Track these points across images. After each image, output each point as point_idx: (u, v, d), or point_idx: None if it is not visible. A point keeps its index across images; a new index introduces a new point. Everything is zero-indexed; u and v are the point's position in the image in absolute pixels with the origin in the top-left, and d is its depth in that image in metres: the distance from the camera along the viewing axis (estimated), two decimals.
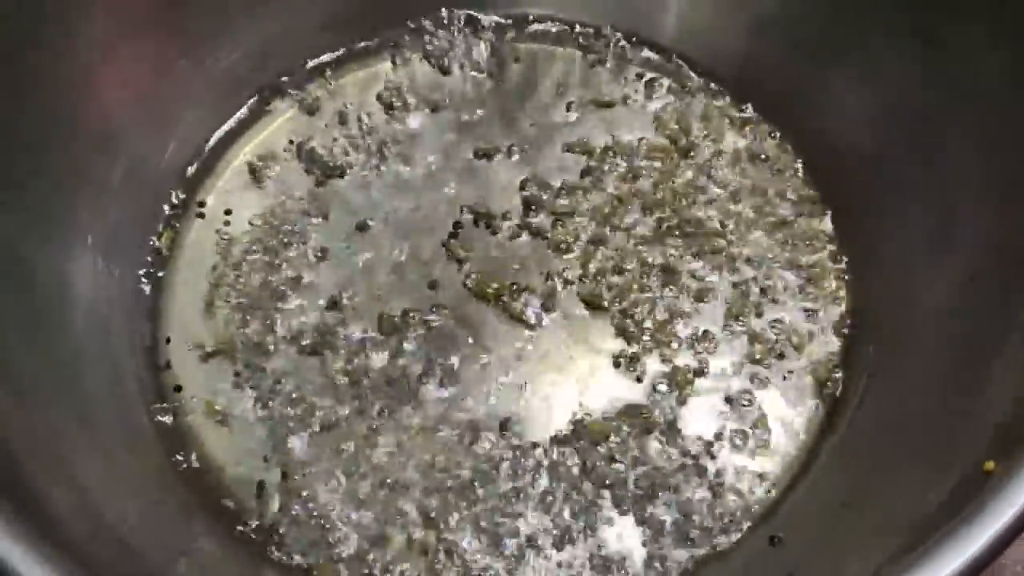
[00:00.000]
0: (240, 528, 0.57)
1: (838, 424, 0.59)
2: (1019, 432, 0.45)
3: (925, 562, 0.42)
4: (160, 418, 0.60)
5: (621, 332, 0.62)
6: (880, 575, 0.43)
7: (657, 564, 0.56)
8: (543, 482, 0.58)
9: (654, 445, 0.59)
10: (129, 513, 0.52)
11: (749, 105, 0.69)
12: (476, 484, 0.58)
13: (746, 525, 0.57)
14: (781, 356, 0.61)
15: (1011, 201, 0.55)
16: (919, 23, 0.60)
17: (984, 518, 0.42)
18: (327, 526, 0.57)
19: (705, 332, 0.62)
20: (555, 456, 0.59)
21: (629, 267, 0.63)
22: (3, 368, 0.52)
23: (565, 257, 0.64)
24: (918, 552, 0.43)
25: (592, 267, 0.63)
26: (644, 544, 0.57)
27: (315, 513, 0.58)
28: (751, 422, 0.59)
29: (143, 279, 0.64)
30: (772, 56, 0.68)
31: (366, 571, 0.56)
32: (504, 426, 0.59)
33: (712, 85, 0.69)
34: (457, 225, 0.65)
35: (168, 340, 0.62)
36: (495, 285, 0.62)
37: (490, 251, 0.64)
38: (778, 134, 0.68)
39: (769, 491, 0.58)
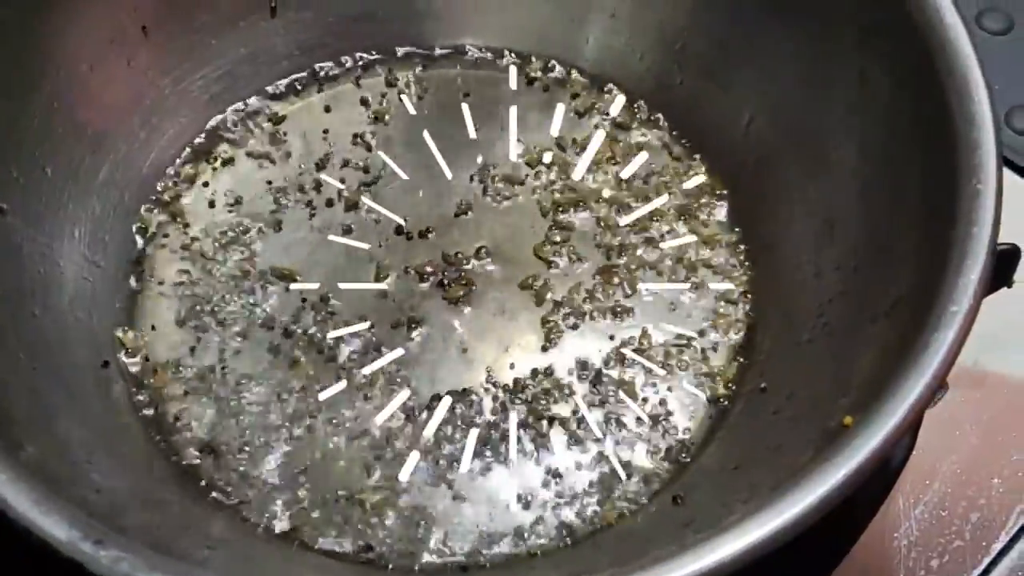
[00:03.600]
0: (201, 484, 0.62)
1: (734, 406, 0.64)
2: (871, 393, 0.50)
3: (787, 496, 0.47)
4: (138, 397, 0.64)
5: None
6: (754, 515, 0.48)
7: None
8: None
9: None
10: (102, 464, 0.56)
11: (660, 115, 0.74)
12: None
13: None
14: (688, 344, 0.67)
15: (886, 203, 0.61)
16: (801, 46, 0.67)
17: (838, 458, 0.48)
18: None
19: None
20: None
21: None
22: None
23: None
24: (780, 490, 0.47)
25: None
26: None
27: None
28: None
29: (124, 271, 0.68)
30: (679, 75, 0.74)
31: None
32: None
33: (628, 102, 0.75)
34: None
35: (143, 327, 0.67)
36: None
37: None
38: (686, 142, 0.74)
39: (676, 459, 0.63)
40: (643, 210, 0.71)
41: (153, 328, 0.67)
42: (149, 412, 0.64)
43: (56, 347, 0.62)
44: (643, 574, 0.46)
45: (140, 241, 0.70)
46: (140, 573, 0.45)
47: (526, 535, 0.61)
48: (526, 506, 0.61)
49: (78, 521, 0.46)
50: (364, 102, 0.75)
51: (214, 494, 0.62)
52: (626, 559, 0.48)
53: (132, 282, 0.68)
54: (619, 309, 0.68)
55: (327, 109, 0.75)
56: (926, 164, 0.58)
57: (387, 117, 0.75)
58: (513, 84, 0.76)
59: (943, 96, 0.58)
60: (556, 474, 0.62)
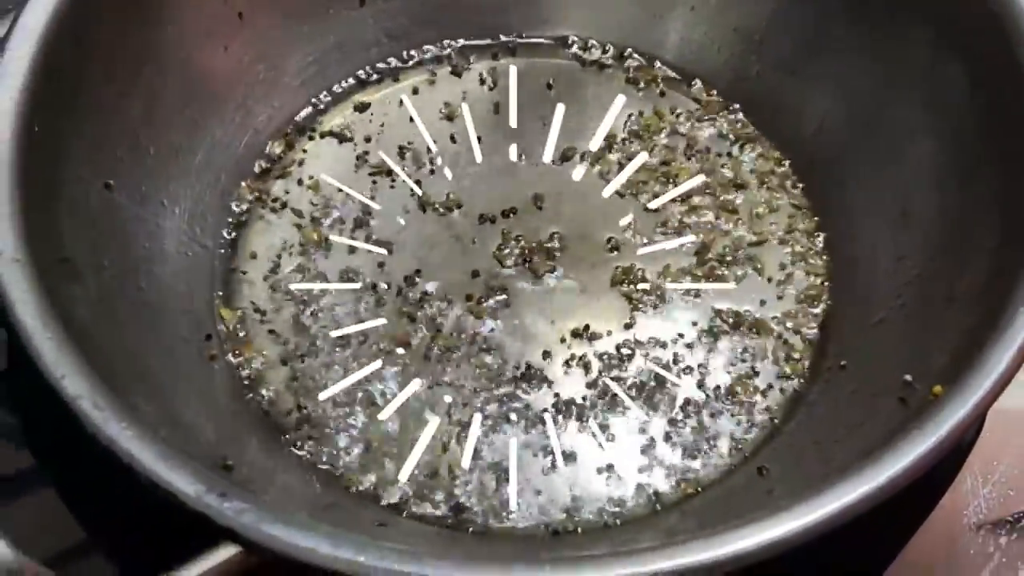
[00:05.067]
0: (297, 451, 0.64)
1: (815, 383, 0.66)
2: (960, 365, 0.52)
3: (878, 461, 0.49)
4: (240, 371, 0.66)
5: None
6: (832, 482, 0.49)
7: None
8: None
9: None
10: (207, 429, 0.59)
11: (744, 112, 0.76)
12: None
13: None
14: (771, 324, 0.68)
15: (962, 193, 0.63)
16: (877, 42, 0.69)
17: (929, 424, 0.50)
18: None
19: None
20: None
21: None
22: (107, 305, 0.59)
23: None
24: (871, 456, 0.49)
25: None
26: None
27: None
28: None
29: (223, 246, 0.70)
30: (756, 67, 0.75)
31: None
32: None
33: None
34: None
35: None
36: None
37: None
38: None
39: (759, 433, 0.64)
40: (726, 197, 0.73)
41: (252, 304, 0.69)
42: (248, 383, 0.66)
43: (161, 319, 0.64)
44: (732, 534, 0.47)
45: (236, 219, 0.71)
46: (264, 524, 0.47)
47: (615, 501, 0.62)
48: (614, 473, 0.63)
49: (203, 475, 0.48)
50: (449, 89, 0.77)
51: (308, 457, 0.63)
52: (714, 523, 0.49)
53: (229, 257, 0.70)
54: (702, 288, 0.69)
55: (414, 92, 0.77)
56: (1004, 153, 0.60)
57: (472, 104, 0.76)
58: (597, 75, 0.78)
59: (1021, 86, 0.59)
60: (645, 443, 0.64)
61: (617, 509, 0.62)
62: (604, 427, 0.64)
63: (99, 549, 0.61)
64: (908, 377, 0.57)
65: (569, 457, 0.63)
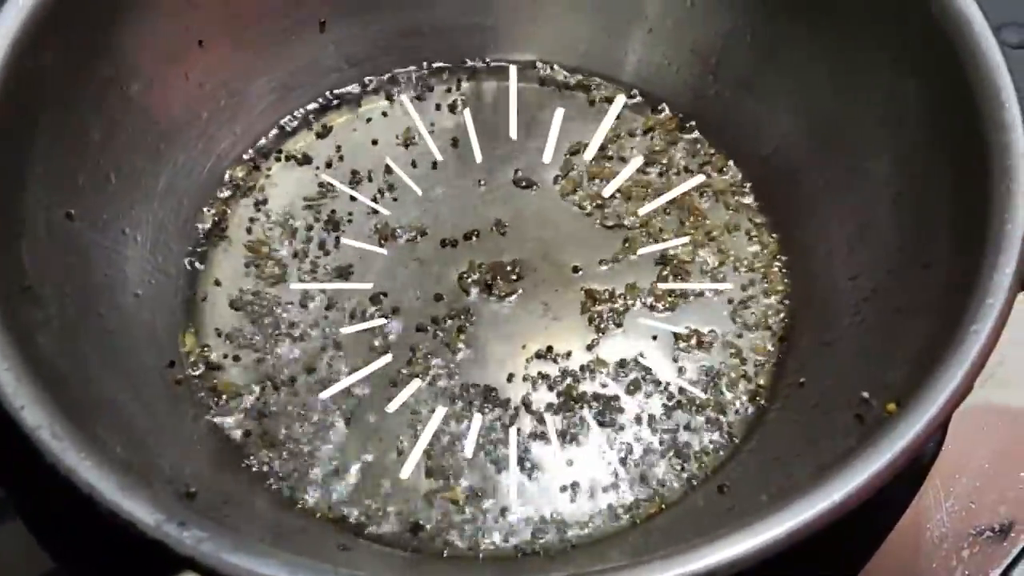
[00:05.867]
0: (260, 476, 0.64)
1: (775, 401, 0.66)
2: (913, 382, 0.52)
3: (833, 478, 0.49)
4: (199, 395, 0.66)
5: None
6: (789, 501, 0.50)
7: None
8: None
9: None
10: (169, 455, 0.58)
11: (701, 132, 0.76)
12: None
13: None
14: (730, 342, 0.68)
15: (919, 208, 0.63)
16: (833, 61, 0.69)
17: (884, 441, 0.50)
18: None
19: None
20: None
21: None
22: (69, 333, 0.59)
23: None
24: (827, 472, 0.49)
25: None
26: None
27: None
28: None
29: (185, 273, 0.70)
30: (714, 87, 0.76)
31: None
32: None
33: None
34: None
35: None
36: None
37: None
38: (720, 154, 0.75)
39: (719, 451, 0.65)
40: (686, 216, 0.74)
41: (216, 331, 0.69)
42: (210, 407, 0.66)
43: (123, 346, 0.63)
44: (693, 553, 0.48)
45: (199, 245, 0.71)
46: (224, 553, 0.47)
47: (579, 521, 0.62)
48: (578, 492, 0.63)
49: (161, 504, 0.48)
50: (411, 115, 0.77)
51: (270, 482, 0.63)
52: (677, 541, 0.49)
53: (192, 283, 0.70)
54: (664, 307, 0.70)
55: (377, 117, 0.77)
56: (958, 169, 0.60)
57: (434, 130, 0.76)
58: (555, 95, 0.78)
59: (974, 104, 0.60)
60: (608, 462, 0.64)
61: (581, 529, 0.62)
62: (567, 446, 0.65)
63: None
64: (865, 394, 0.58)
65: (533, 477, 0.64)
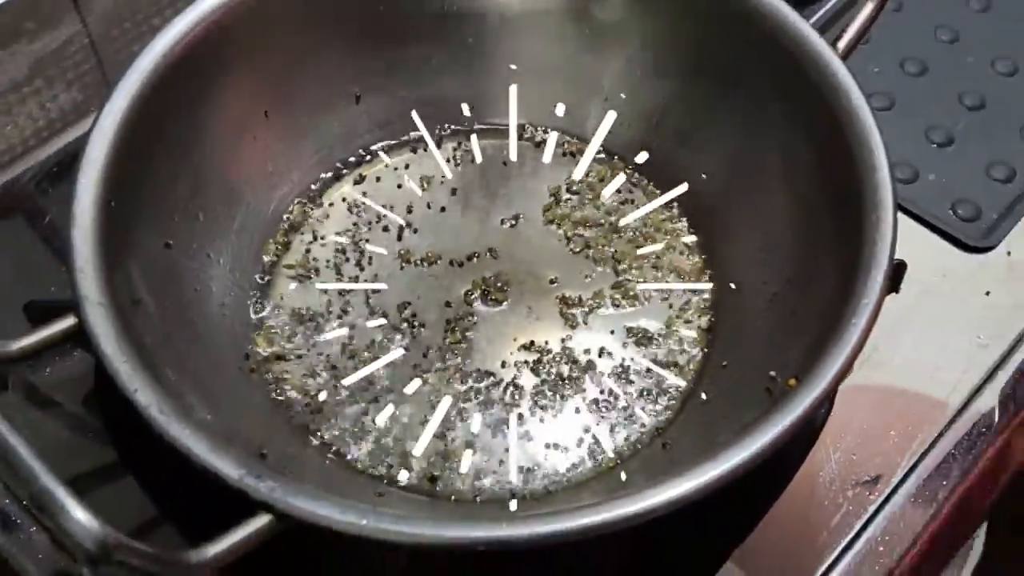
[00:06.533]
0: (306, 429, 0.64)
1: (703, 378, 0.66)
2: (808, 363, 0.54)
3: (752, 434, 0.51)
4: (266, 376, 0.66)
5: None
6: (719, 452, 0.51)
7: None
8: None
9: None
10: (244, 427, 0.60)
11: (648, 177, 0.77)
12: None
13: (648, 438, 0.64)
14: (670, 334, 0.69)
15: (809, 231, 0.65)
16: (743, 118, 0.70)
17: (788, 406, 0.52)
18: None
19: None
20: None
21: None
22: (168, 334, 0.60)
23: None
24: (747, 429, 0.51)
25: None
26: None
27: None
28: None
29: (258, 287, 0.70)
30: (655, 141, 0.76)
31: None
32: None
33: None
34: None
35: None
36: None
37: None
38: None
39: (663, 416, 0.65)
40: (635, 239, 0.74)
41: (280, 331, 0.69)
42: (276, 388, 0.66)
43: (209, 343, 0.64)
44: (648, 492, 0.49)
45: (265, 268, 0.72)
46: (290, 498, 0.48)
47: (560, 471, 0.63)
48: (559, 448, 0.64)
49: (242, 462, 0.49)
50: (427, 164, 0.78)
51: (321, 444, 0.64)
52: (630, 487, 0.51)
53: (262, 297, 0.70)
54: (620, 308, 0.70)
55: (404, 167, 0.78)
56: (839, 201, 0.61)
57: (446, 176, 0.77)
58: (536, 149, 0.79)
59: (850, 152, 0.61)
60: (581, 424, 0.65)
61: (559, 478, 0.63)
62: (547, 415, 0.65)
63: (168, 521, 0.61)
64: (772, 373, 0.59)
65: (521, 438, 0.64)
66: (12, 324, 0.65)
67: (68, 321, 0.54)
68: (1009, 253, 0.73)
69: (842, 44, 0.66)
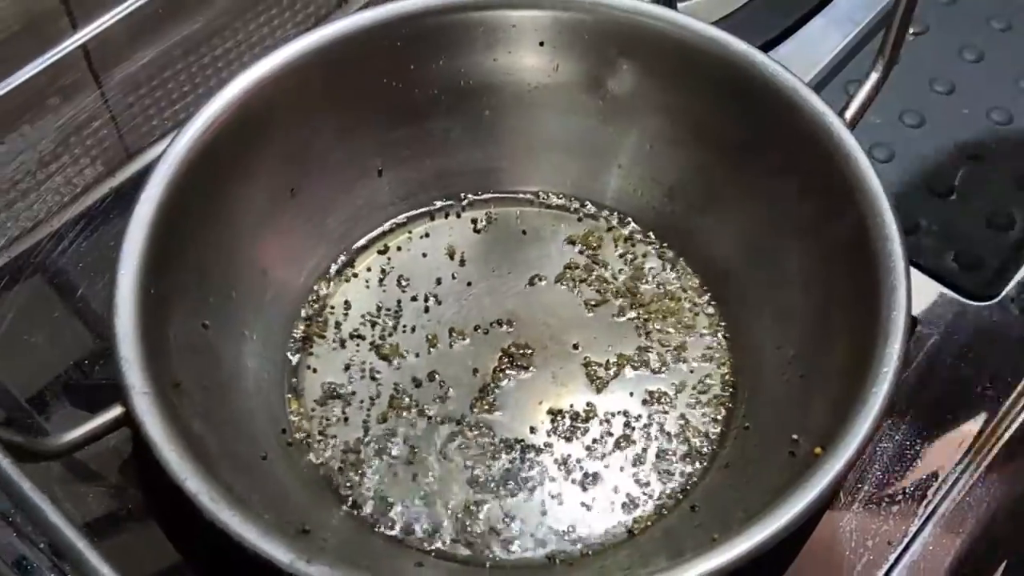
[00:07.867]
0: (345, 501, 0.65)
1: (727, 441, 0.67)
2: (832, 430, 0.55)
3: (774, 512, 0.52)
4: (308, 456, 0.67)
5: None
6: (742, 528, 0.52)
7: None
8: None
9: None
10: (286, 505, 0.61)
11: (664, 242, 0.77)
12: None
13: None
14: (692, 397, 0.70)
15: (825, 298, 0.65)
16: (758, 190, 0.71)
17: (815, 477, 0.53)
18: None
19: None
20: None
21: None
22: (210, 413, 0.61)
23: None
24: (778, 499, 0.52)
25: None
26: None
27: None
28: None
29: (288, 362, 0.71)
30: (671, 209, 0.77)
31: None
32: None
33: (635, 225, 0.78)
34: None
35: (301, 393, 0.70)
36: None
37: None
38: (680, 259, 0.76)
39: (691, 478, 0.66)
40: (655, 306, 0.75)
41: (313, 403, 0.70)
42: (313, 459, 0.67)
43: (247, 419, 0.65)
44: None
45: (296, 342, 0.72)
46: None
47: (593, 534, 0.64)
48: (591, 510, 0.65)
49: (292, 546, 0.50)
50: (448, 233, 0.79)
51: (358, 511, 0.65)
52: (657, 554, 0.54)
53: (293, 369, 0.71)
54: (643, 372, 0.71)
55: (426, 236, 0.78)
56: (854, 270, 0.62)
57: (466, 244, 0.78)
58: (554, 216, 0.80)
59: (863, 221, 0.62)
60: (610, 487, 0.66)
61: (595, 541, 0.64)
62: (577, 475, 0.66)
63: None
64: (795, 436, 0.60)
65: (554, 497, 0.65)
66: (50, 401, 0.68)
67: (115, 411, 0.56)
68: (1012, 300, 0.74)
69: (849, 114, 0.67)
